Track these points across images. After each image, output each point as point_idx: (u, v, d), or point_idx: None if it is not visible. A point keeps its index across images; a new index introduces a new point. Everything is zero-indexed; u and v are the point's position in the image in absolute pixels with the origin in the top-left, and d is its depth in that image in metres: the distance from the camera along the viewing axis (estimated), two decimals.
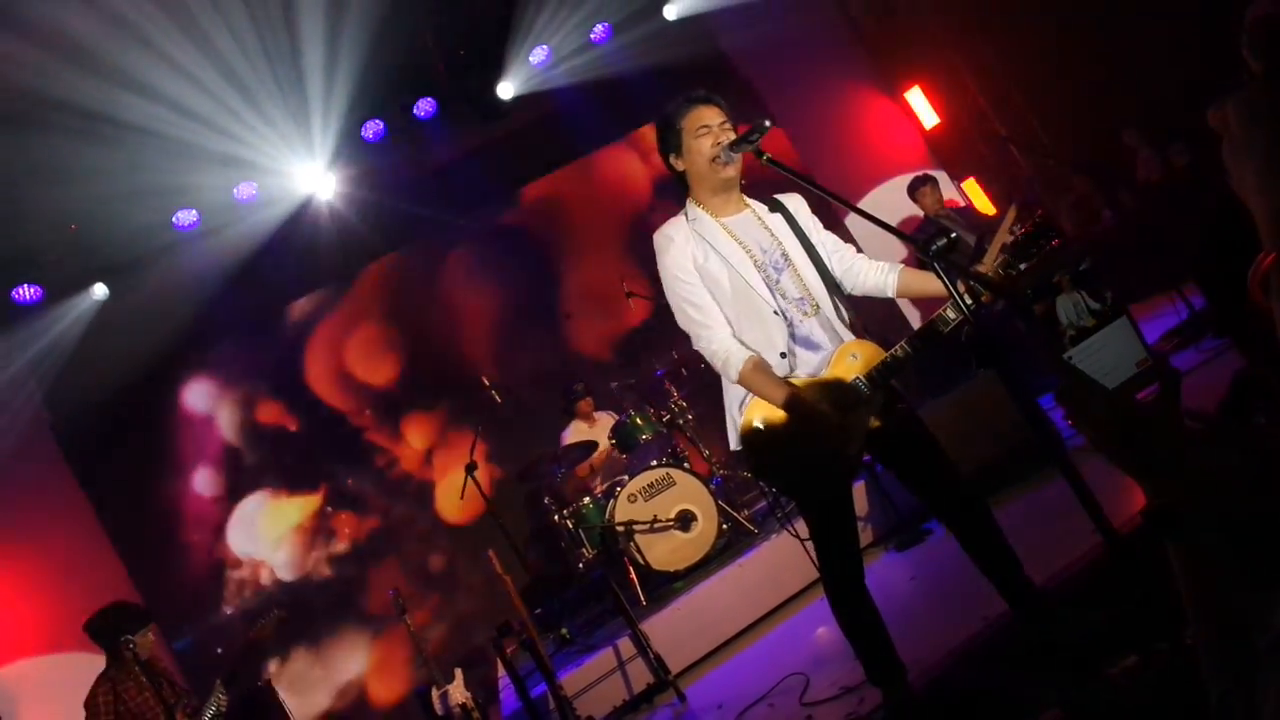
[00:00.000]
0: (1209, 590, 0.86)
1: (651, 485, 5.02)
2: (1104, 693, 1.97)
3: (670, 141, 2.63)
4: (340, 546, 6.98)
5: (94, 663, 4.38)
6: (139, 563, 6.57)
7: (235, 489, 6.95)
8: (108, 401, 6.59)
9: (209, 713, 4.32)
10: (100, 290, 6.63)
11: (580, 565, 5.31)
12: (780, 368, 2.49)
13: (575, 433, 6.13)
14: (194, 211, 6.50)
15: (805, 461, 2.42)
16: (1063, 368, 0.92)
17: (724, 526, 5.08)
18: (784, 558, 4.43)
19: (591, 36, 7.16)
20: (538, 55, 7.01)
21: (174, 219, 6.44)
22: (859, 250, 2.74)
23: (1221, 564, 0.85)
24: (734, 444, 2.57)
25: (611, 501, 5.04)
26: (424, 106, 6.88)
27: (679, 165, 2.64)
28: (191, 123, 5.74)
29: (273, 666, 6.54)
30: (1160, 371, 0.92)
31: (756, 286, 2.51)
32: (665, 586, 4.94)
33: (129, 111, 5.41)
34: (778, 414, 2.44)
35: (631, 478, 5.05)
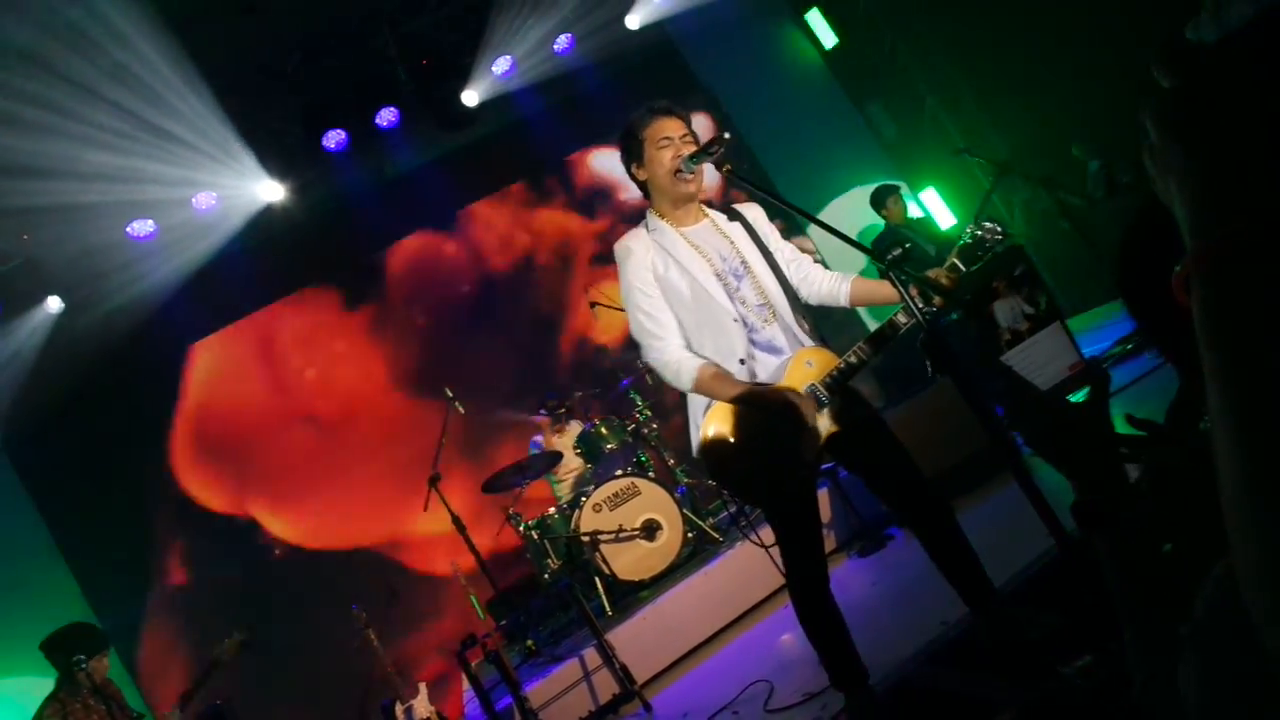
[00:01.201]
0: (1133, 582, 0.90)
1: (617, 495, 5.02)
2: (1059, 692, 2.01)
3: (633, 151, 2.65)
4: (303, 557, 6.88)
5: (45, 686, 4.28)
6: (95, 582, 6.43)
7: (193, 504, 6.82)
8: (63, 417, 6.47)
9: None
10: (55, 304, 6.49)
11: (546, 576, 5.29)
12: (740, 374, 2.51)
13: (543, 442, 6.11)
14: (150, 222, 6.40)
15: (764, 468, 2.44)
16: (999, 369, 0.95)
17: (689, 535, 5.09)
18: (749, 566, 4.45)
19: (555, 47, 7.19)
20: (501, 65, 7.02)
21: (129, 229, 6.34)
22: (816, 260, 2.79)
23: (1145, 557, 0.89)
24: (696, 451, 2.59)
25: (577, 511, 5.03)
26: (386, 116, 6.85)
27: (640, 175, 2.67)
28: (148, 132, 5.66)
29: (234, 682, 6.41)
30: (1091, 374, 0.96)
31: (716, 295, 2.54)
32: (631, 596, 4.94)
33: (83, 119, 5.32)
34: (735, 420, 2.46)
35: (597, 487, 5.04)
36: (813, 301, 2.71)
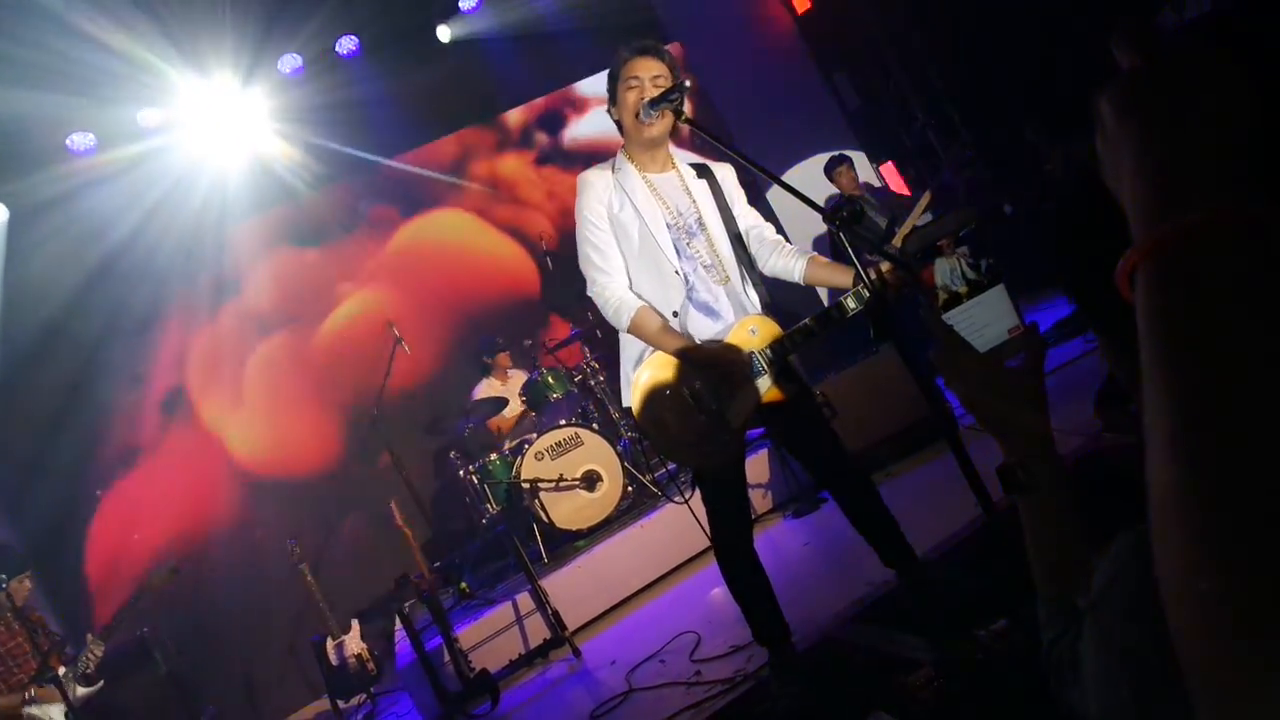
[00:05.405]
0: (1048, 546, 0.93)
1: (559, 444, 5.03)
2: (973, 652, 2.10)
3: (611, 91, 2.63)
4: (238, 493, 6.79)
5: None
6: (21, 510, 6.28)
7: (130, 432, 6.66)
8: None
9: (80, 668, 4.20)
10: (0, 211, 6.22)
11: (484, 521, 5.31)
12: (672, 326, 2.52)
13: (487, 388, 6.09)
14: (90, 135, 6.14)
15: (693, 429, 2.45)
16: (938, 327, 0.97)
17: (628, 488, 5.13)
18: (684, 521, 4.50)
19: None
20: (468, 2, 6.83)
21: (68, 142, 6.08)
22: (779, 231, 2.78)
23: (1063, 522, 0.93)
24: (625, 400, 2.61)
25: (519, 458, 5.04)
26: (346, 44, 6.63)
27: (614, 114, 2.65)
28: (94, 41, 5.39)
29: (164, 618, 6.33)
30: (1029, 340, 0.98)
31: (663, 244, 2.55)
32: (567, 545, 4.98)
33: (26, 26, 5.05)
34: (667, 375, 2.48)
35: (540, 435, 5.05)
36: (767, 272, 2.71)
